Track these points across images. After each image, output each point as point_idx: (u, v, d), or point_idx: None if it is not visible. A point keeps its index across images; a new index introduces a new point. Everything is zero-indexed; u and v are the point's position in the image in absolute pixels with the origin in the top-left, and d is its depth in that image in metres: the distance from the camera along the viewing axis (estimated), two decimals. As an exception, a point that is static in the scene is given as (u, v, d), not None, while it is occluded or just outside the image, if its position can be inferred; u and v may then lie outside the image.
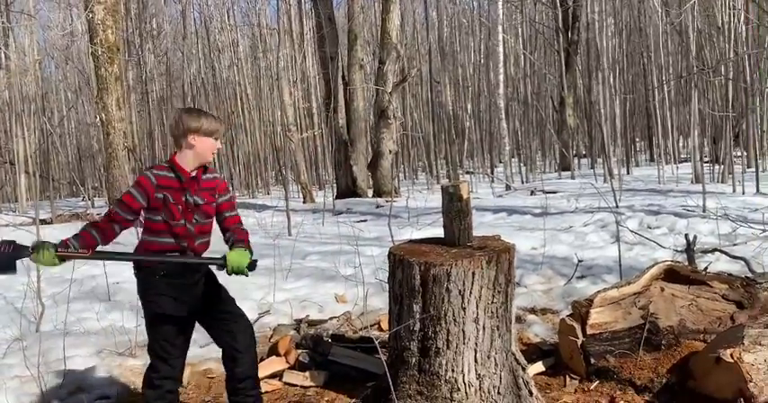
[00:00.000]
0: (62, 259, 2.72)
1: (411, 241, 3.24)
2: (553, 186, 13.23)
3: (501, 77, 16.57)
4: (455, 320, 2.71)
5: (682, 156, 21.34)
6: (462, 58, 26.89)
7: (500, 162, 25.49)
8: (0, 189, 20.62)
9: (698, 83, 13.87)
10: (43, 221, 12.92)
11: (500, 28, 16.30)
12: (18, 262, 2.84)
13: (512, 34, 23.67)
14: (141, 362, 4.15)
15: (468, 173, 22.74)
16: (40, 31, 22.21)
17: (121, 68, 11.45)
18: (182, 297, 2.84)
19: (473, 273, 2.70)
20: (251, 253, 2.76)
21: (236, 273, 2.70)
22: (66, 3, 22.87)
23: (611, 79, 16.36)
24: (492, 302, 2.74)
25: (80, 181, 21.42)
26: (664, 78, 16.26)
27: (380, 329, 4.38)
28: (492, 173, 20.68)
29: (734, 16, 12.03)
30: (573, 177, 16.75)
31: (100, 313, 5.05)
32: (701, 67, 14.12)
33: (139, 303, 2.96)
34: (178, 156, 2.81)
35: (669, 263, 3.65)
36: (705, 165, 13.52)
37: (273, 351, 3.74)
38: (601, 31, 15.70)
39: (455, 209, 2.96)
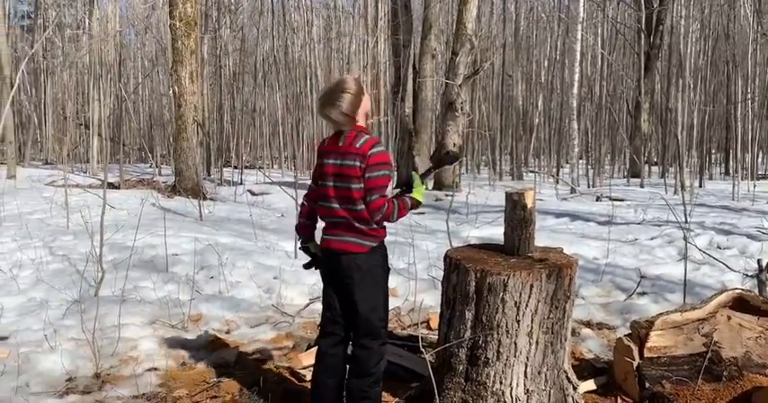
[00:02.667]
0: None
1: (469, 245, 3.17)
2: (620, 193, 12.82)
3: (576, 76, 16.15)
4: (508, 332, 2.63)
5: (759, 172, 20.41)
6: (537, 54, 26.33)
7: (566, 162, 24.99)
8: (74, 149, 21.41)
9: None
10: (111, 185, 13.38)
11: (580, 26, 15.86)
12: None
13: (591, 33, 23.01)
14: (193, 336, 4.23)
15: (531, 171, 22.35)
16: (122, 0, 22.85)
17: (197, 42, 11.64)
18: None
19: (531, 286, 2.61)
20: None
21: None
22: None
23: (692, 86, 15.69)
24: (548, 317, 2.65)
25: (149, 148, 22.03)
26: (748, 90, 15.51)
27: (429, 328, 4.33)
28: (557, 174, 20.24)
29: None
30: (642, 186, 16.22)
31: (156, 283, 5.16)
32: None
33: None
34: (363, 126, 2.85)
35: (739, 291, 3.46)
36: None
37: (317, 343, 3.72)
38: (686, 36, 15.05)
39: (518, 217, 2.87)
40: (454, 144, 12.30)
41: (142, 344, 4.02)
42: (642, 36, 20.05)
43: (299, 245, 3.11)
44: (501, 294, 2.61)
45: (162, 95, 23.99)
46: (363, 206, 2.70)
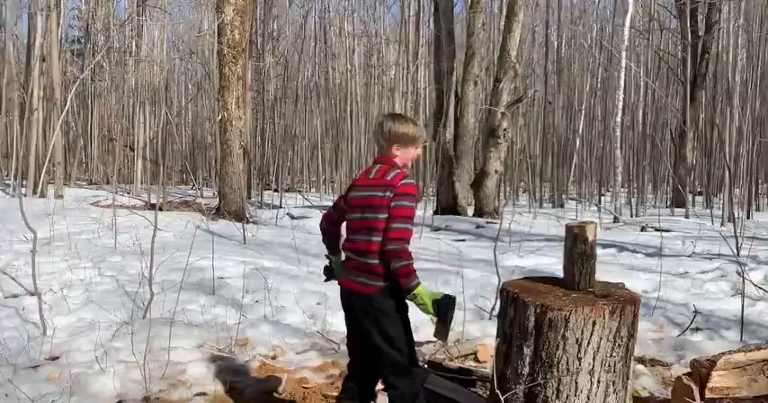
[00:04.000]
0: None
1: (526, 278, 3.10)
2: (666, 224, 12.55)
3: (620, 105, 15.98)
4: (568, 370, 2.56)
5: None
6: (579, 81, 26.21)
7: (607, 190, 24.65)
8: (119, 170, 21.93)
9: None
10: (153, 206, 13.63)
11: (623, 54, 15.73)
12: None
13: (634, 60, 22.84)
14: (240, 360, 4.24)
15: (572, 199, 22.09)
16: (169, 27, 23.51)
17: (245, 68, 11.88)
18: None
19: (593, 323, 2.53)
20: None
21: None
22: (197, 2, 24.10)
23: (739, 116, 15.37)
24: (611, 356, 2.57)
25: (192, 170, 22.45)
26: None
27: (477, 360, 4.25)
28: (599, 202, 19.95)
29: None
30: (687, 216, 15.86)
31: (204, 306, 5.19)
32: None
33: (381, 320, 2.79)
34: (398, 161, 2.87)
35: (809, 332, 3.32)
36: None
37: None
38: (734, 66, 14.82)
39: (578, 251, 2.80)
40: (496, 170, 12.24)
41: (191, 367, 4.03)
42: (687, 64, 19.80)
43: (324, 252, 3.16)
44: (562, 330, 2.54)
45: (205, 119, 24.50)
46: (381, 237, 2.70)
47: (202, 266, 6.32)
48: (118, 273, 6.34)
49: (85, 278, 6.09)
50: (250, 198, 17.55)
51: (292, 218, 12.38)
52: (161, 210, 12.71)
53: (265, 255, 7.57)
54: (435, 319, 2.76)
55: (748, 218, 15.86)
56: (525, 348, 2.65)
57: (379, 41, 25.38)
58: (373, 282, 2.75)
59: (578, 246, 2.80)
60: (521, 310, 2.68)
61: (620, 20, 18.76)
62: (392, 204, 2.70)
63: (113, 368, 3.90)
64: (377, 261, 2.72)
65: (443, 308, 2.73)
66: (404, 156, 2.87)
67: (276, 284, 5.90)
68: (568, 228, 2.84)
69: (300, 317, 5.18)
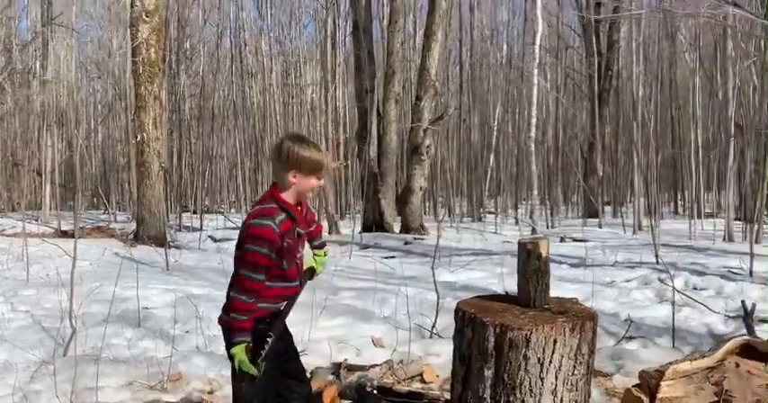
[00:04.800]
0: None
1: (479, 297, 3.07)
2: (582, 234, 13.00)
3: (533, 120, 16.48)
4: (531, 391, 2.53)
5: (707, 210, 21.03)
6: (492, 98, 26.96)
7: (521, 203, 25.36)
8: (26, 196, 20.71)
9: (736, 137, 13.67)
10: (65, 233, 12.91)
11: (535, 72, 16.27)
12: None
13: (542, 77, 23.71)
14: (174, 398, 3.98)
15: (490, 213, 22.58)
16: (76, 45, 22.53)
17: (161, 88, 11.48)
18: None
19: (554, 341, 2.52)
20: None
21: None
22: (107, 20, 23.27)
23: (640, 128, 16.17)
24: (572, 374, 2.55)
25: (104, 194, 21.48)
26: (696, 131, 16.21)
27: (423, 381, 4.18)
28: (516, 214, 20.48)
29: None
30: (600, 226, 16.50)
31: (131, 340, 4.89)
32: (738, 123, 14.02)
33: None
34: (283, 192, 2.55)
35: (747, 338, 3.45)
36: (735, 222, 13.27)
37: (317, 400, 3.55)
38: (637, 80, 15.62)
39: (532, 267, 2.80)
40: (420, 187, 12.34)
41: (122, 408, 3.75)
42: (594, 80, 20.77)
43: None
44: (523, 350, 2.51)
45: (117, 141, 23.57)
46: None
47: (125, 296, 5.98)
48: (33, 307, 5.89)
49: (-4, 315, 5.62)
50: (169, 221, 16.95)
51: (214, 240, 12.00)
52: (72, 236, 12.05)
53: (191, 282, 7.26)
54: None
55: (657, 226, 16.65)
56: (486, 370, 2.60)
57: (296, 60, 25.24)
58: (223, 317, 2.62)
59: (532, 263, 2.79)
60: (479, 331, 2.63)
61: (528, 39, 19.49)
62: (243, 244, 2.49)
63: (35, 414, 3.58)
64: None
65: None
66: (301, 184, 2.53)
67: (207, 312, 5.62)
68: (521, 245, 2.83)
69: (236, 346, 4.95)
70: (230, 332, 2.53)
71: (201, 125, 21.41)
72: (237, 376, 2.59)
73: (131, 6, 11.26)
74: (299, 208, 2.62)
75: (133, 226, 12.25)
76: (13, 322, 5.45)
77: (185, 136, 20.70)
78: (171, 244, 10.83)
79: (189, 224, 16.37)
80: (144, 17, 10.97)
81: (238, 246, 2.53)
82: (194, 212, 18.58)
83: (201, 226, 15.01)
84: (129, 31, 11.62)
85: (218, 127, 23.15)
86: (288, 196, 2.55)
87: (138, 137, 10.71)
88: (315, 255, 2.87)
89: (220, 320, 2.63)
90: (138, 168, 11.40)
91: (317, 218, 2.87)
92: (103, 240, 11.02)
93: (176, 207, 18.25)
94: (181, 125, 20.29)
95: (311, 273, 2.82)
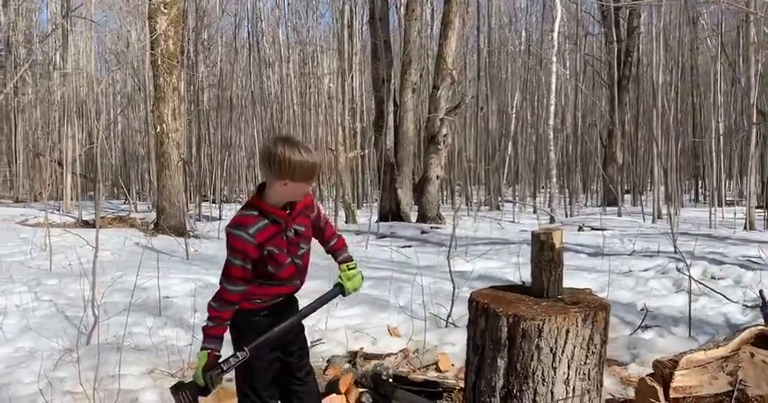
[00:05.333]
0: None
1: (493, 287, 3.09)
2: (600, 223, 12.92)
3: (552, 108, 16.38)
4: (543, 380, 2.55)
5: (728, 198, 20.79)
6: (510, 86, 26.80)
7: (540, 192, 25.23)
8: (48, 186, 21.02)
9: (758, 124, 13.48)
10: (86, 223, 13.09)
11: (554, 59, 16.14)
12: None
13: (561, 64, 23.51)
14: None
15: (508, 201, 22.50)
16: (95, 37, 22.74)
17: (179, 79, 11.57)
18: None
19: (567, 331, 2.54)
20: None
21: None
22: (126, 11, 23.43)
23: (660, 116, 16.00)
24: (585, 363, 2.58)
25: (124, 184, 21.73)
26: (717, 118, 15.98)
27: (438, 370, 4.22)
28: (534, 203, 20.39)
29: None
30: (620, 214, 16.37)
31: (152, 329, 4.97)
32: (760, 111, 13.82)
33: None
34: (270, 198, 2.42)
35: (762, 327, 3.44)
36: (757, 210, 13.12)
37: (333, 387, 3.61)
38: (658, 67, 15.42)
39: (546, 258, 2.81)
40: (437, 176, 12.33)
41: (143, 395, 3.83)
42: (613, 67, 20.55)
43: None
44: (536, 340, 2.54)
45: (136, 132, 23.79)
46: None
47: (146, 286, 6.08)
48: (56, 296, 6.01)
49: (21, 303, 5.75)
50: (188, 211, 17.12)
51: (233, 230, 12.10)
52: (93, 226, 12.22)
53: (211, 271, 7.35)
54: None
55: (676, 214, 16.49)
56: (499, 359, 2.63)
57: (313, 50, 25.27)
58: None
59: (545, 254, 2.81)
60: (492, 321, 2.66)
61: (547, 26, 19.31)
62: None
63: (60, 400, 3.67)
64: None
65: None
66: (292, 192, 2.40)
67: (226, 301, 5.71)
68: (535, 236, 2.85)
69: (254, 334, 5.03)
70: (204, 335, 2.56)
71: (220, 115, 21.55)
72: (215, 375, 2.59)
73: (149, -2, 11.34)
74: (290, 210, 2.50)
75: (153, 216, 12.39)
76: (38, 311, 5.57)
77: (204, 126, 20.84)
78: (190, 233, 10.95)
79: (208, 214, 16.53)
80: (162, 9, 11.04)
81: None
82: (213, 202, 18.74)
83: (221, 215, 15.14)
84: (147, 22, 11.69)
85: (236, 117, 23.29)
86: (274, 200, 2.43)
87: (158, 128, 10.81)
88: (341, 271, 2.75)
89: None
90: (157, 159, 11.52)
91: (313, 201, 2.68)
92: (124, 230, 11.17)
93: (196, 197, 18.41)
94: (200, 115, 20.43)
95: (340, 288, 2.72)
